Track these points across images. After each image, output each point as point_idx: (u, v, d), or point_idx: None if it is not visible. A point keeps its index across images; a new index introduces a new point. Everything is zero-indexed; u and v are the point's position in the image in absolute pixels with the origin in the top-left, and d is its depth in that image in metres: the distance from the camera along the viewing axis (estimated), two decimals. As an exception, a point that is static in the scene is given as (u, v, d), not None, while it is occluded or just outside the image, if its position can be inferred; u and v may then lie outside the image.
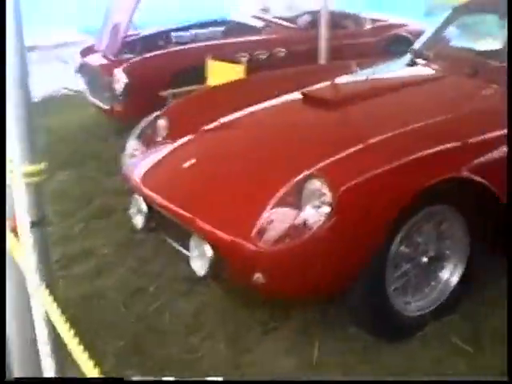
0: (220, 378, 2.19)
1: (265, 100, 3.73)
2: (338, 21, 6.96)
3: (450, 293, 2.98)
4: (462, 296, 3.02)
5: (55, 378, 2.40)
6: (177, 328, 2.97)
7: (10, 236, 2.04)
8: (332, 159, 2.66)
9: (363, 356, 2.76)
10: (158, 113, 3.76)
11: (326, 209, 2.46)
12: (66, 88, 6.84)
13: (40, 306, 1.90)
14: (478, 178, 2.74)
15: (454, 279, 2.99)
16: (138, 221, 3.23)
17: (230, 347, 2.82)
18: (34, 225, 1.80)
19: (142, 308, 3.14)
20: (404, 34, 7.39)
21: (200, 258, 2.74)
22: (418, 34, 6.92)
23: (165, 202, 2.96)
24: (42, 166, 1.77)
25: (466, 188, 2.78)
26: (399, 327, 2.86)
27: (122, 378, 2.60)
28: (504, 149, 2.89)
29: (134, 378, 2.49)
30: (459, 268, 2.99)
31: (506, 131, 2.92)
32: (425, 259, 2.85)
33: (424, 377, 2.61)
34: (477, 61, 3.74)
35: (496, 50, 3.92)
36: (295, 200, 2.56)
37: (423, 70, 3.97)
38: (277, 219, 2.55)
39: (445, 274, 2.98)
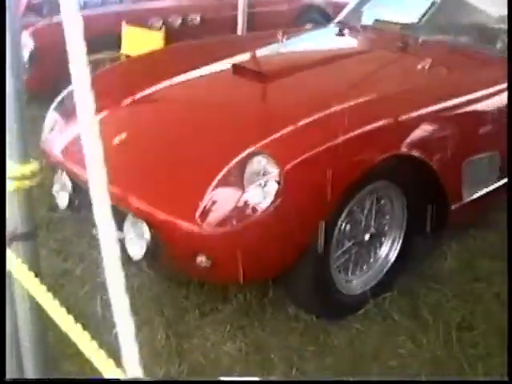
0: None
1: (192, 70, 3.55)
2: (252, -13, 6.82)
3: (388, 269, 2.97)
4: (399, 272, 3.02)
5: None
6: (111, 314, 2.80)
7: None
8: (275, 136, 2.53)
9: (306, 336, 2.70)
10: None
11: (274, 186, 2.36)
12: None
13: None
14: (416, 153, 2.72)
15: (392, 255, 2.98)
16: (63, 199, 3.00)
17: (169, 333, 2.69)
18: (26, 237, 1.61)
19: (72, 293, 2.95)
20: (317, 2, 7.35)
21: (136, 241, 2.58)
22: (332, 4, 7.00)
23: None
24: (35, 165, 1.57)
25: (405, 163, 2.76)
26: (341, 306, 2.83)
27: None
28: (436, 126, 2.89)
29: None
30: (396, 244, 2.98)
31: (440, 106, 2.94)
32: (367, 236, 2.81)
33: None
34: (405, 34, 3.72)
35: (419, 23, 3.92)
36: (239, 179, 2.43)
37: (352, 41, 3.91)
38: (221, 200, 2.42)
39: (383, 251, 2.97)
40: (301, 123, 2.62)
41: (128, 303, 1.21)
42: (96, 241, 3.22)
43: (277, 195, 2.34)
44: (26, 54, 5.31)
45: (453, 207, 2.98)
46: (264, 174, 2.40)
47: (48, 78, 5.08)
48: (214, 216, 2.39)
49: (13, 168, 1.58)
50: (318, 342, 2.66)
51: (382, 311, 2.83)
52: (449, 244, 3.32)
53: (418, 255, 3.19)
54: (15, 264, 1.68)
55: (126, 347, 1.20)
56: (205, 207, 2.40)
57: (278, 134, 2.54)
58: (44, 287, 1.59)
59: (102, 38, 5.44)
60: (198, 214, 2.39)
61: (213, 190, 2.43)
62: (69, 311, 2.77)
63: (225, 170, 2.47)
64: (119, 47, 5.44)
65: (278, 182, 2.34)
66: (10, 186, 1.59)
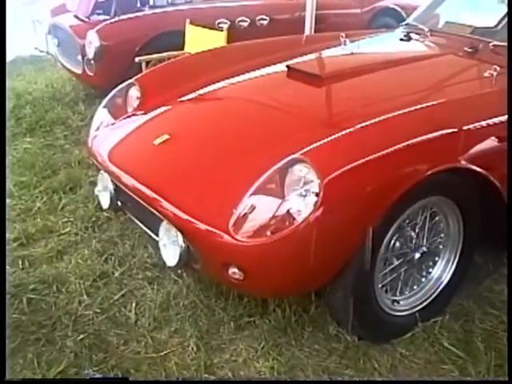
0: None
1: (247, 71, 3.43)
2: (324, -11, 6.66)
3: (440, 290, 2.75)
4: (453, 294, 2.81)
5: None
6: (142, 321, 2.71)
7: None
8: (319, 143, 2.36)
9: (345, 359, 2.52)
10: (129, 81, 3.44)
11: (313, 198, 2.19)
12: (36, 48, 6.44)
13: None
14: (478, 168, 2.50)
15: (446, 276, 2.76)
16: (104, 199, 2.95)
17: (200, 345, 2.57)
18: None
19: (106, 297, 2.87)
20: (392, 6, 7.12)
21: (170, 247, 2.48)
22: (407, 7, 6.73)
23: (132, 182, 2.66)
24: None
25: (464, 178, 2.53)
26: (385, 327, 2.63)
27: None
28: (499, 138, 2.65)
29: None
30: (451, 264, 2.76)
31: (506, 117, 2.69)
32: (417, 255, 2.61)
33: None
34: (476, 38, 3.47)
35: (496, 28, 3.67)
36: (278, 188, 2.28)
37: (419, 45, 3.69)
38: (257, 208, 2.26)
39: (436, 271, 2.75)
40: (349, 130, 2.43)
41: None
42: (138, 242, 3.17)
43: (316, 207, 2.17)
44: (91, 52, 5.33)
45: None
46: (304, 184, 2.24)
47: (112, 75, 5.08)
48: (249, 226, 2.23)
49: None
50: (357, 366, 2.48)
51: (431, 336, 2.62)
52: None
53: (476, 276, 2.97)
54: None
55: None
56: (239, 216, 2.26)
57: (323, 142, 2.36)
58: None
59: (169, 37, 5.46)
60: (231, 223, 2.25)
61: (249, 197, 2.29)
62: (100, 316, 2.72)
63: (264, 176, 2.31)
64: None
65: (317, 194, 2.17)
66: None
